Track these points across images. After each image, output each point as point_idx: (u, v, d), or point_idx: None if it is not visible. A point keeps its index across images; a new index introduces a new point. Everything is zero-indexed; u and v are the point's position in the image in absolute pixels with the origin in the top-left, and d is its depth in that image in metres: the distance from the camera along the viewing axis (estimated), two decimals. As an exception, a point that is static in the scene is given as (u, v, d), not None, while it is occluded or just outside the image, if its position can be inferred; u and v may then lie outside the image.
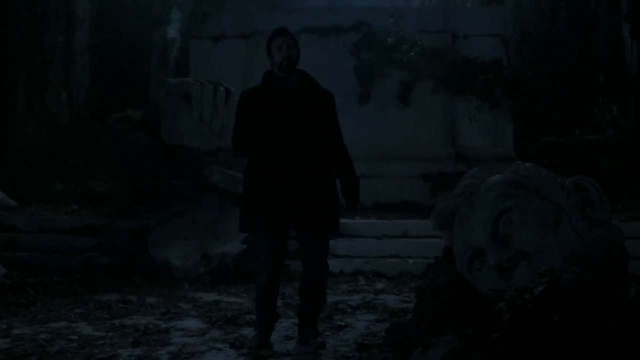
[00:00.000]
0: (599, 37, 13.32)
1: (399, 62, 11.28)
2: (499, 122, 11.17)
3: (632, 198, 9.89)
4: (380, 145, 10.93)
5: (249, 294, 6.60)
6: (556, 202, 3.80)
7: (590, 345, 2.99)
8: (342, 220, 8.88)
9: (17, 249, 8.63)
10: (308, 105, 4.58)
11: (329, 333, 5.08)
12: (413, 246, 8.12)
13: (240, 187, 4.80)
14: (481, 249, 3.90)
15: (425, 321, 4.09)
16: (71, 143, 12.68)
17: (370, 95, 11.30)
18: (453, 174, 10.40)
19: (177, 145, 9.04)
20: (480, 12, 12.14)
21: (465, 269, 4.01)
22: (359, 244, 8.32)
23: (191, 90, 9.06)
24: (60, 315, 5.78)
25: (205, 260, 7.59)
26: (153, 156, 9.12)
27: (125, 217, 8.96)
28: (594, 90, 12.60)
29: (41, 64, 12.71)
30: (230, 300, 6.44)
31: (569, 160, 10.60)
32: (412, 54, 11.11)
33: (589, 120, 12.07)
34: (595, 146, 11.15)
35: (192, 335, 5.07)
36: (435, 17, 11.67)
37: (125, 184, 9.56)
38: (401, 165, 10.82)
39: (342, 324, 5.39)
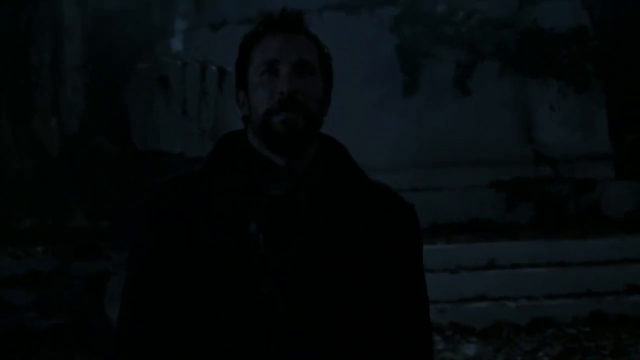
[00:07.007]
0: None
1: (452, 37, 9.54)
2: (588, 109, 9.42)
3: None
4: (434, 147, 9.17)
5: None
6: None
7: None
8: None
9: None
10: (333, 259, 1.57)
11: None
12: (508, 280, 6.22)
13: None
14: None
15: None
16: (63, 175, 10.93)
17: (418, 84, 9.48)
18: (533, 180, 8.97)
19: (152, 151, 6.55)
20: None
21: None
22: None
23: (169, 72, 6.51)
24: None
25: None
26: (121, 168, 6.67)
27: (85, 258, 6.49)
28: None
29: (26, 86, 11.24)
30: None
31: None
32: (470, 22, 8.82)
33: None
34: None
35: None
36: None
37: (87, 209, 7.19)
38: (464, 171, 9.08)
39: None
